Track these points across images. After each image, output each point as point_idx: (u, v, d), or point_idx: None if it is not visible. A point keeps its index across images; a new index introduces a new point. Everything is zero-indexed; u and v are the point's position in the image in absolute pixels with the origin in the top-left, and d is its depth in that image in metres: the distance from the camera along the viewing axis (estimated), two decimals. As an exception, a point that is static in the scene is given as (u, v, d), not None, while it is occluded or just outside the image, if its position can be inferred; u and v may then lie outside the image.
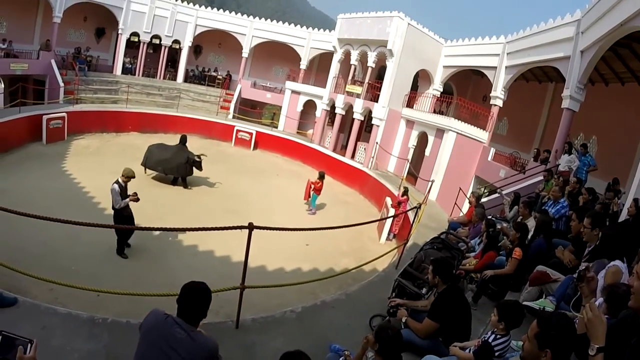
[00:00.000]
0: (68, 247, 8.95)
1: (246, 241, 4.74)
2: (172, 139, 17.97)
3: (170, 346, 2.67)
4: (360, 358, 3.66)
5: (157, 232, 10.31)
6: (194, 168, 14.95)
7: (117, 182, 8.48)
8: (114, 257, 8.89)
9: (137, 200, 8.64)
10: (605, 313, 3.29)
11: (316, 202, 15.20)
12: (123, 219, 8.63)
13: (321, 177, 15.06)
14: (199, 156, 14.92)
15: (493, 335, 3.70)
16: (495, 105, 16.96)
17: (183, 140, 15.20)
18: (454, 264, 6.11)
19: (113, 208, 8.62)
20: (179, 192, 14.33)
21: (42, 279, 5.02)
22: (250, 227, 4.58)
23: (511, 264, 5.91)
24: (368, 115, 20.95)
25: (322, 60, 27.27)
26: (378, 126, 20.05)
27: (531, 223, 7.50)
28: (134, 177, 8.76)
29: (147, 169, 14.81)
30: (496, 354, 3.62)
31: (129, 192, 8.71)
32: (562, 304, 4.46)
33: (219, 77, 28.96)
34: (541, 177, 11.21)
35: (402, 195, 13.38)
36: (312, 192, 15.05)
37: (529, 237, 6.82)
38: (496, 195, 12.28)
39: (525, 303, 4.90)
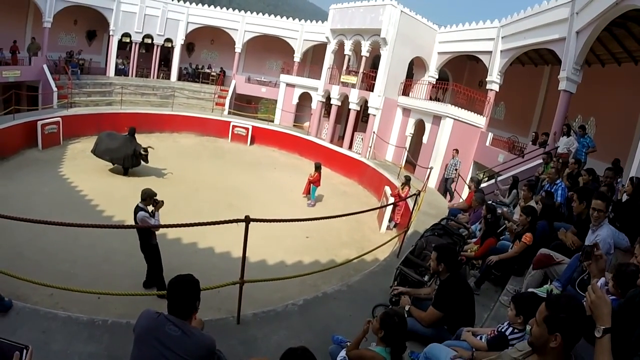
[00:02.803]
0: (67, 251, 8.89)
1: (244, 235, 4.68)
2: (169, 138, 17.94)
3: (166, 346, 2.62)
4: (359, 342, 3.59)
5: (156, 231, 10.25)
6: (140, 160, 14.95)
7: (140, 208, 7.21)
8: (112, 259, 8.80)
9: (162, 204, 7.39)
10: (612, 293, 3.23)
11: (315, 194, 15.14)
12: (152, 248, 7.44)
13: (317, 168, 14.97)
14: (145, 149, 14.87)
15: (510, 328, 3.63)
16: (492, 90, 16.87)
17: (131, 131, 15.05)
18: (457, 252, 6.07)
19: (141, 239, 7.33)
20: (177, 190, 14.25)
21: (42, 283, 4.98)
22: (247, 220, 4.52)
23: (518, 247, 5.83)
24: (364, 105, 20.85)
25: (316, 52, 27.10)
26: (374, 115, 19.96)
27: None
28: (155, 195, 7.42)
29: (96, 157, 14.74)
30: (509, 347, 3.56)
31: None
32: (569, 287, 4.38)
33: (212, 73, 28.78)
34: (540, 161, 11.16)
35: (403, 186, 13.26)
36: (311, 185, 14.97)
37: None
38: (494, 181, 12.24)
39: (530, 290, 4.85)
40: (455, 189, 15.10)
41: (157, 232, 7.42)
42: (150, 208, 7.36)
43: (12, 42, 20.30)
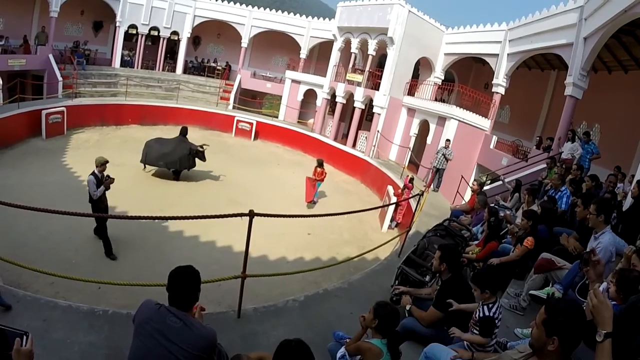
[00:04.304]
0: (69, 240, 8.94)
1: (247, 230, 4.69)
2: (173, 131, 17.91)
3: (166, 338, 2.62)
4: (360, 338, 3.62)
5: (158, 224, 10.26)
6: (196, 160, 14.58)
7: (92, 173, 8.13)
8: (114, 249, 8.80)
9: (112, 181, 8.32)
10: (613, 298, 3.25)
11: (318, 190, 15.06)
12: (100, 211, 8.28)
13: (320, 164, 14.77)
14: (201, 146, 14.56)
15: (485, 307, 3.70)
16: (497, 92, 16.82)
17: (183, 131, 14.76)
18: (461, 253, 6.07)
19: (90, 201, 8.26)
20: (180, 184, 14.28)
21: (43, 272, 4.98)
22: (251, 215, 4.52)
23: (519, 251, 5.81)
24: (369, 104, 20.81)
25: (322, 49, 27.01)
26: (379, 114, 19.94)
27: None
28: (107, 162, 8.29)
29: (146, 165, 14.44)
30: (497, 322, 3.66)
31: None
32: (570, 292, 4.40)
33: (218, 67, 28.78)
34: (544, 165, 11.14)
35: (410, 182, 13.31)
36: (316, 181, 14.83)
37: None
38: (498, 182, 12.21)
39: (531, 292, 4.87)
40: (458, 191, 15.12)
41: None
42: (106, 174, 8.33)
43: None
